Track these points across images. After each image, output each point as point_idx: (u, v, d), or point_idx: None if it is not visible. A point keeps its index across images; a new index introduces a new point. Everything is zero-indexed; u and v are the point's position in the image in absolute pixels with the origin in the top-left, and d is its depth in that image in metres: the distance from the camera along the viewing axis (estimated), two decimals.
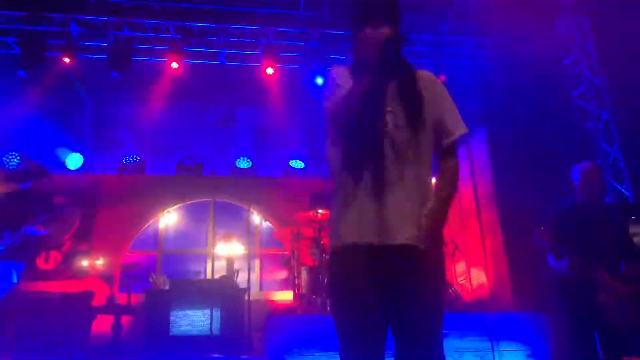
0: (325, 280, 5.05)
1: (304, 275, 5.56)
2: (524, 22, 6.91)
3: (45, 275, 5.27)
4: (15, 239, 4.40)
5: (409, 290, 1.73)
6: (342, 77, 1.89)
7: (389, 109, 1.82)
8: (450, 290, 5.46)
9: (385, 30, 1.75)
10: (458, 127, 1.89)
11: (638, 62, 5.65)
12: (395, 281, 1.74)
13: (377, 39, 1.73)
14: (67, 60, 7.29)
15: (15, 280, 4.47)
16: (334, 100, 1.83)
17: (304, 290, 5.49)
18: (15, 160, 7.45)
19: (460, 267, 6.40)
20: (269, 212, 7.87)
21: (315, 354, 4.25)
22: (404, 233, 1.72)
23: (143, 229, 7.66)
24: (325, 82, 1.94)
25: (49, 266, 5.17)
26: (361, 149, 1.81)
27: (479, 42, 8.36)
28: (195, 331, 5.22)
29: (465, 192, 6.41)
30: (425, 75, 1.95)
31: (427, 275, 1.74)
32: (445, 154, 1.89)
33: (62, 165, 7.73)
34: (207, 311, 5.21)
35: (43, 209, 4.53)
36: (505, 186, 5.51)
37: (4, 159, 7.48)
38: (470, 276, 6.14)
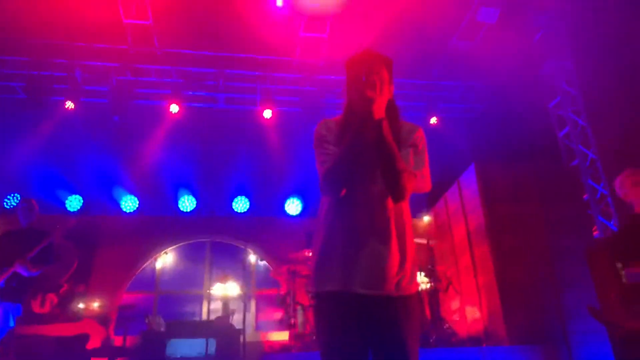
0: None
1: (299, 314, 5.57)
2: (511, 67, 7.23)
3: (40, 319, 5.25)
4: (8, 276, 4.47)
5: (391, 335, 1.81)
6: (332, 133, 1.98)
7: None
8: (445, 327, 5.46)
9: (382, 88, 1.87)
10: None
11: (616, 103, 5.92)
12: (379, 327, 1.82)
13: (373, 96, 1.84)
14: (70, 104, 7.50)
15: (12, 323, 4.49)
16: (326, 162, 1.91)
17: (299, 330, 5.49)
18: (15, 201, 7.57)
19: (455, 303, 6.42)
20: (265, 252, 7.93)
21: None
22: (388, 283, 1.82)
23: (140, 269, 7.69)
24: (315, 137, 2.03)
25: (45, 309, 5.15)
26: (351, 200, 1.90)
27: (469, 86, 8.67)
28: None
29: (457, 228, 6.51)
30: (407, 127, 2.04)
31: (408, 321, 1.84)
32: None
33: (62, 207, 7.84)
34: (202, 353, 5.19)
35: (38, 245, 4.63)
36: (496, 220, 5.61)
37: (5, 200, 7.60)
38: (465, 312, 6.16)
